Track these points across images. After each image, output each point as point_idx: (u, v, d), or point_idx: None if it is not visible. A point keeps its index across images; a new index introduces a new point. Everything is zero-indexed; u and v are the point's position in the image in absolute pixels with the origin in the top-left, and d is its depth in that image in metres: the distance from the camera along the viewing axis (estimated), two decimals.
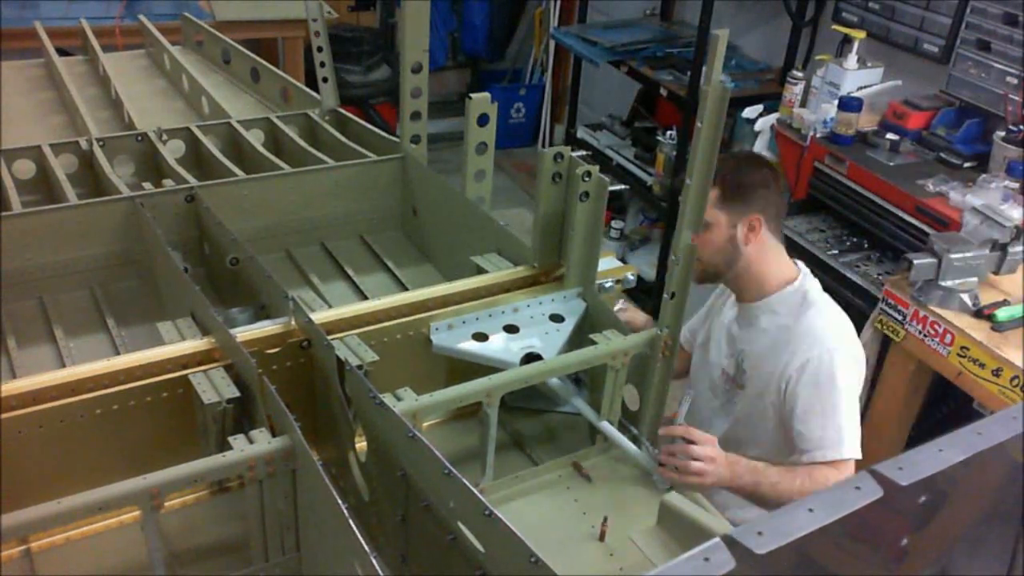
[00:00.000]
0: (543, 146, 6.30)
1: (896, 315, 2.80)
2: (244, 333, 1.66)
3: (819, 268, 3.30)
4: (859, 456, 2.00)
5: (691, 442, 1.76)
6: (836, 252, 3.33)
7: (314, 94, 2.97)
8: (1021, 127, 3.14)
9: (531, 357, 1.79)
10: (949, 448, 0.79)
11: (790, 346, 2.03)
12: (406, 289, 2.27)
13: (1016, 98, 3.18)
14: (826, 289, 2.18)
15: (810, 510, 0.71)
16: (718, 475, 1.77)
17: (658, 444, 1.82)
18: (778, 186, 2.15)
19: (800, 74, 3.70)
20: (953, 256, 2.64)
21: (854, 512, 0.72)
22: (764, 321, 2.10)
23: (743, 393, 2.15)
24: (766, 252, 2.10)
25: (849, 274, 3.21)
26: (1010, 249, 2.67)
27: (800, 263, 2.19)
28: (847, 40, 3.64)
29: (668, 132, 4.43)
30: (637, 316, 2.38)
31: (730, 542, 0.68)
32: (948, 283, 2.67)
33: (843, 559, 0.82)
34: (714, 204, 2.04)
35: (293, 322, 1.70)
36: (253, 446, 1.39)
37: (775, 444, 2.11)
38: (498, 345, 1.83)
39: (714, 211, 2.04)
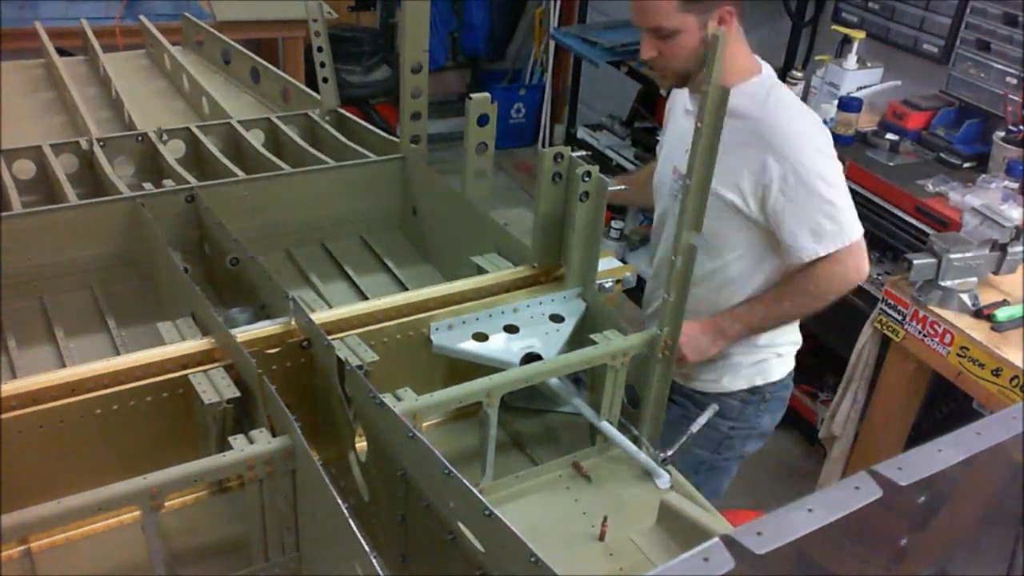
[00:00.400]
0: (543, 146, 6.30)
1: (896, 315, 2.80)
2: (244, 333, 1.66)
3: None
4: (860, 230, 2.06)
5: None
6: None
7: (314, 94, 2.97)
8: (1021, 127, 3.15)
9: (531, 357, 1.79)
10: (949, 448, 0.79)
11: (758, 145, 1.98)
12: (406, 289, 2.27)
13: (1016, 98, 3.18)
14: None
15: (809, 510, 0.71)
16: (699, 347, 1.88)
17: (657, 443, 1.82)
18: None
19: (800, 74, 3.70)
20: (953, 256, 2.64)
21: (853, 512, 0.72)
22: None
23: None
24: (732, 44, 2.01)
25: None
26: (1010, 249, 2.67)
27: (765, 63, 2.13)
28: (847, 40, 3.64)
29: None
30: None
31: (729, 542, 0.68)
32: (948, 283, 2.67)
33: (843, 559, 0.82)
34: (677, 9, 1.94)
35: (293, 322, 1.70)
36: (253, 446, 1.39)
37: (748, 242, 2.12)
38: (498, 345, 1.83)
39: (679, 16, 1.95)
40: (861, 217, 3.29)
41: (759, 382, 2.34)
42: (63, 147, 2.54)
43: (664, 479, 1.78)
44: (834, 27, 3.81)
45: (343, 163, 2.52)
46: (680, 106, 2.27)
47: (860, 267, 2.09)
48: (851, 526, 0.73)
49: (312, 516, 1.40)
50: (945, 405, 3.06)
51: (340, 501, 1.18)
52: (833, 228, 2.03)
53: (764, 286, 2.19)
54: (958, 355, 2.63)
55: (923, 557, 0.96)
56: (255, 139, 2.71)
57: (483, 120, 2.13)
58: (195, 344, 1.66)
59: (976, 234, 2.85)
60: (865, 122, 3.49)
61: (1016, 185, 3.01)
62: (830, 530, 0.71)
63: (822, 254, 2.05)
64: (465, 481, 1.23)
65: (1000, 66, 3.25)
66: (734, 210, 2.08)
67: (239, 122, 2.77)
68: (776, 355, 2.33)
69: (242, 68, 3.49)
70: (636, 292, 4.44)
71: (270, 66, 3.36)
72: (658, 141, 3.68)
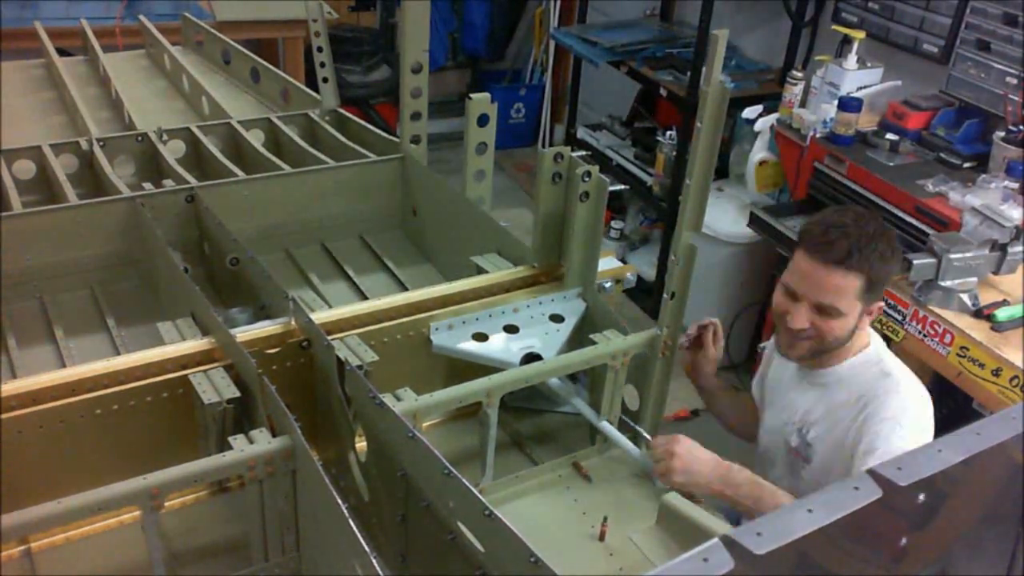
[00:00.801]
0: (543, 146, 6.30)
1: (895, 315, 2.80)
2: (244, 333, 1.66)
3: None
4: None
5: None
6: None
7: (314, 94, 2.97)
8: (1021, 127, 3.14)
9: (531, 357, 1.79)
10: (949, 448, 0.79)
11: (863, 424, 1.81)
12: (406, 289, 2.27)
13: (1016, 98, 3.18)
14: None
15: (809, 511, 0.71)
16: (690, 473, 1.64)
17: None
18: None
19: (800, 74, 3.70)
20: (953, 256, 2.64)
21: (853, 512, 0.72)
22: (836, 392, 1.88)
23: (808, 468, 1.92)
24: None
25: None
26: (1010, 249, 2.67)
27: (875, 335, 1.96)
28: (847, 40, 3.63)
29: (668, 132, 4.43)
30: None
31: (729, 542, 0.67)
32: (948, 283, 2.67)
33: (842, 559, 0.81)
34: (857, 296, 1.76)
35: (293, 322, 1.71)
36: (253, 446, 1.39)
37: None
38: (498, 345, 1.83)
39: (853, 302, 1.77)
40: None
41: None
42: (63, 147, 2.54)
43: None
44: (834, 27, 3.81)
45: (343, 163, 2.52)
46: (778, 370, 2.04)
47: None
48: (851, 526, 0.73)
49: (312, 516, 1.40)
50: (945, 405, 3.05)
51: (340, 501, 1.18)
52: None
53: None
54: (958, 355, 2.63)
55: (923, 557, 0.96)
56: (255, 139, 2.71)
57: (483, 120, 2.13)
58: (195, 344, 1.67)
59: (976, 234, 2.85)
60: (865, 122, 3.49)
61: (1016, 185, 3.00)
62: (830, 530, 0.71)
63: None
64: (465, 481, 1.24)
65: (1000, 66, 3.24)
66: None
67: (239, 122, 2.78)
68: None
69: (242, 68, 3.49)
70: (636, 292, 4.45)
71: (270, 66, 3.36)
72: (657, 139, 3.61)
